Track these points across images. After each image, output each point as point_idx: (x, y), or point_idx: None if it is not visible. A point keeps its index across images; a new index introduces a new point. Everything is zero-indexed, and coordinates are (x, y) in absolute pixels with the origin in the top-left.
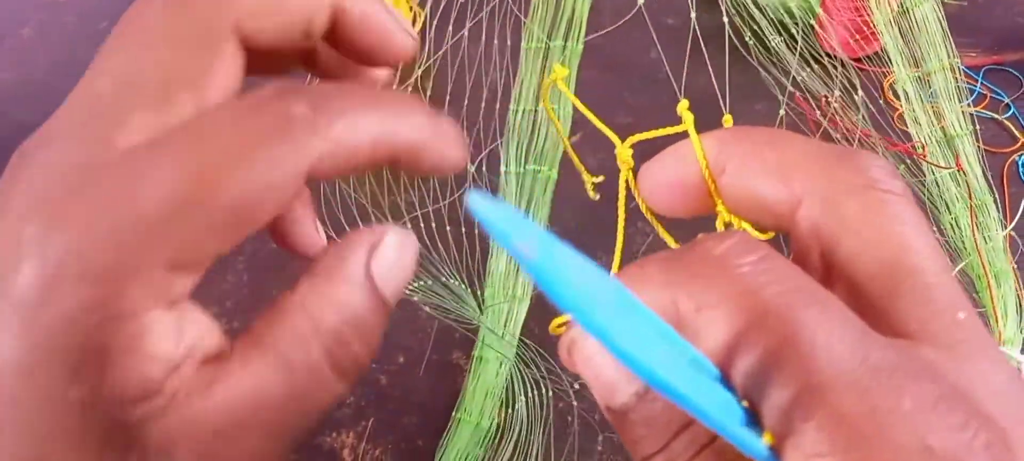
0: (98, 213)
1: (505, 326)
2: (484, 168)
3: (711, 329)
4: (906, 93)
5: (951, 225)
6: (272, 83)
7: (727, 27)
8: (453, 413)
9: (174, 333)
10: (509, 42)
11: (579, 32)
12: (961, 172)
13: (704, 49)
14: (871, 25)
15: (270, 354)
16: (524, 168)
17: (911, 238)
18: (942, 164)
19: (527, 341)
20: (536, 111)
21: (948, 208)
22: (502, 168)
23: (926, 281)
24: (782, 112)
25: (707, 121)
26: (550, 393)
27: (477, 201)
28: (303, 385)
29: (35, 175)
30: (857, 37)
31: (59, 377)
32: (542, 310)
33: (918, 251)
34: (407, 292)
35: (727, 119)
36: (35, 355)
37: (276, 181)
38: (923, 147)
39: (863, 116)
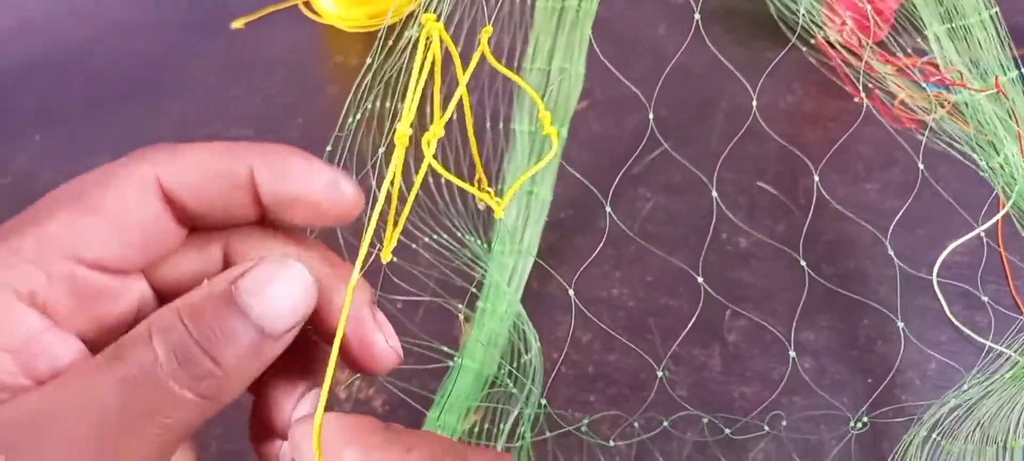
0: None
1: (510, 282)
2: (500, 126)
3: None
4: (937, 38)
5: (1001, 165)
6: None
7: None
8: (455, 359)
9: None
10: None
11: None
12: (1003, 96)
13: (712, 27)
14: (879, 12)
15: (104, 357)
16: (536, 127)
17: None
18: (981, 88)
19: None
20: (548, 70)
21: (995, 150)
22: (513, 126)
23: None
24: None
25: (708, 96)
26: (540, 345)
27: None
28: (137, 388)
29: None
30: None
31: None
32: (552, 265)
33: None
34: (424, 246)
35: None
36: None
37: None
38: (960, 75)
39: (899, 43)
